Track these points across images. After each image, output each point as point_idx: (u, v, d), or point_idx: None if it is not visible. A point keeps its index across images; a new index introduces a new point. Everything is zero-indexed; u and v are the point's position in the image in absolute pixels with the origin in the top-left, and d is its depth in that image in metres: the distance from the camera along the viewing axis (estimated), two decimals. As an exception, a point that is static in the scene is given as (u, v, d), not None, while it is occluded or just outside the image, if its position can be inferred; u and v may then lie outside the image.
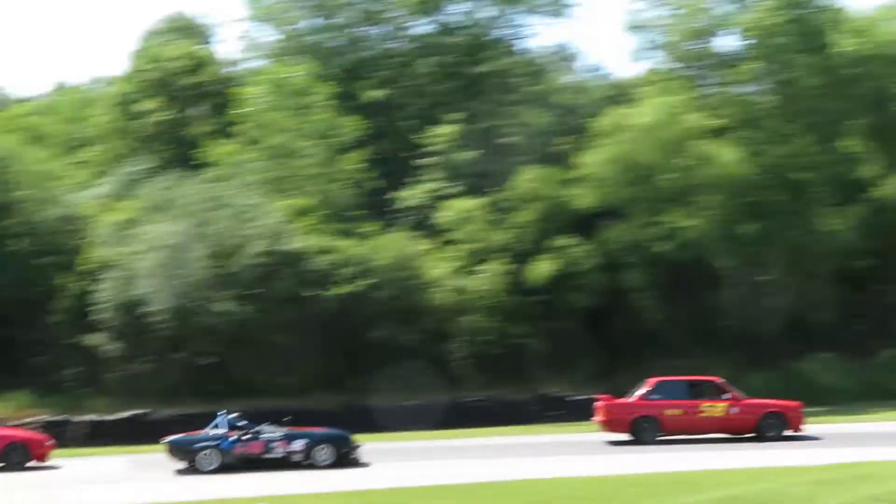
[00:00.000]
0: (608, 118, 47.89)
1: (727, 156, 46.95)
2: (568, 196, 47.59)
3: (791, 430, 31.15)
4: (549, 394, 42.82)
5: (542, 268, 45.67)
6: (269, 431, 28.94)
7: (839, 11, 50.52)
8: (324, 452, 28.62)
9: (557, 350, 44.55)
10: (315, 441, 28.78)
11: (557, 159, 49.24)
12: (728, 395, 31.84)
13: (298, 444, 28.65)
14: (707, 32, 52.03)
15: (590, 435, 32.80)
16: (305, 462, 28.45)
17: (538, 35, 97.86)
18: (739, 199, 47.15)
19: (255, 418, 29.66)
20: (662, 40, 52.38)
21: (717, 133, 48.32)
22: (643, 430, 31.32)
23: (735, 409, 31.55)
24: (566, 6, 56.36)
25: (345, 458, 28.81)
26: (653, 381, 32.56)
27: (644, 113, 47.00)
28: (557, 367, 43.68)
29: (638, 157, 46.47)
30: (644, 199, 46.80)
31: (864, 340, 47.30)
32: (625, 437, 31.51)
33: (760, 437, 30.96)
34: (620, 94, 52.74)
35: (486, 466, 26.75)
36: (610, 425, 31.88)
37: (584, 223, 47.49)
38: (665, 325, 46.17)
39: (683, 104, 47.74)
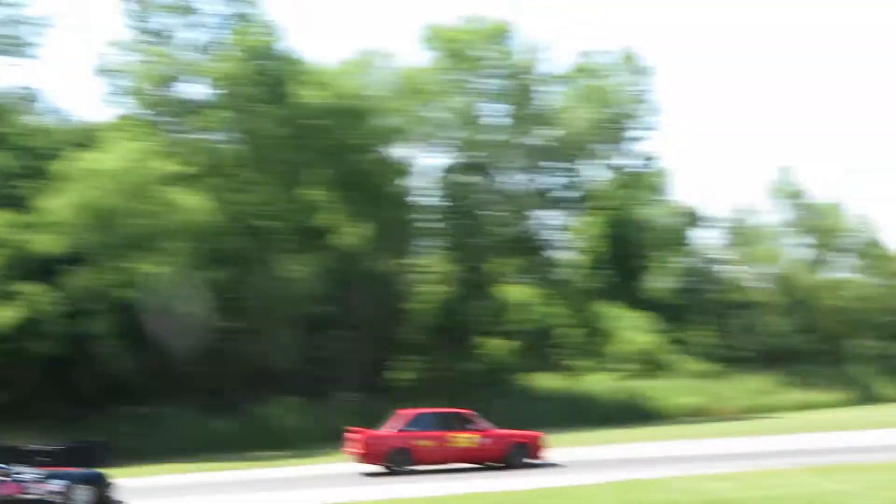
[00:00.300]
0: (73, 162, 46.42)
1: (194, 202, 46.86)
2: (30, 241, 45.75)
3: (533, 459, 32.94)
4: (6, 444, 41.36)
5: (2, 315, 44.01)
6: (27, 472, 27.28)
7: (301, 63, 52.32)
8: (84, 493, 27.32)
9: (18, 399, 43.25)
10: (74, 481, 27.40)
11: (19, 203, 47.45)
12: (476, 427, 33.30)
13: (57, 485, 27.02)
14: (175, 79, 52.46)
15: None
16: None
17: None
18: (206, 245, 47.24)
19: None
20: (131, 86, 52.22)
21: (185, 180, 48.10)
22: (397, 461, 32.21)
23: (486, 440, 32.96)
24: (29, 46, 54.55)
25: (105, 499, 27.73)
26: (405, 413, 33.89)
27: (110, 158, 46.02)
28: (20, 416, 42.36)
29: (103, 202, 45.35)
30: (109, 245, 45.69)
31: (322, 384, 49.10)
32: (379, 468, 32.32)
33: (510, 466, 32.39)
34: (88, 139, 51.44)
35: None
36: (367, 457, 32.40)
37: (48, 269, 45.94)
38: (131, 372, 45.61)
39: (150, 150, 47.32)
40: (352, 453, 32.72)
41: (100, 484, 27.96)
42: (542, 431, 34.75)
